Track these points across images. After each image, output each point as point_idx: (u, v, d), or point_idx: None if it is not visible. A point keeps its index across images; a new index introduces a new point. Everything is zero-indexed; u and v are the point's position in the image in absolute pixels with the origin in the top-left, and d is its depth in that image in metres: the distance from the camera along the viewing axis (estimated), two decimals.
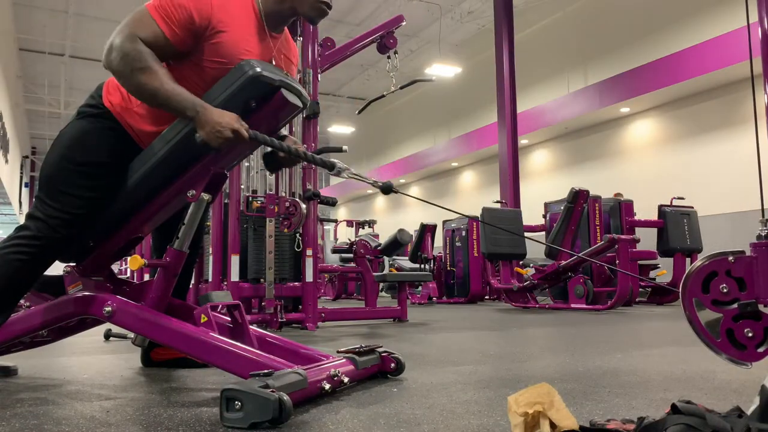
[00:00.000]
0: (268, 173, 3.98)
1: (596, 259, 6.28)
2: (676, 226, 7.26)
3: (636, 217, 7.58)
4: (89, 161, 1.77)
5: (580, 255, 6.21)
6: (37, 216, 1.76)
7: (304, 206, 3.85)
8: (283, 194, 4.06)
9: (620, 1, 12.52)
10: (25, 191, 23.80)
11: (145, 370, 2.18)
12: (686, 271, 1.28)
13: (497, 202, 9.56)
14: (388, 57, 4.79)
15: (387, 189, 1.84)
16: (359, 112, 5.79)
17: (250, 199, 4.07)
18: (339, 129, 20.36)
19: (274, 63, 1.85)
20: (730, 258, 1.25)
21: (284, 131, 4.22)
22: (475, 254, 8.47)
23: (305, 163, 4.18)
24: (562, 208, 7.10)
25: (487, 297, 8.81)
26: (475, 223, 8.49)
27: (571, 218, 6.94)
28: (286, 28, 1.93)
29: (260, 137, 1.68)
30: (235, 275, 3.87)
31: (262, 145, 1.73)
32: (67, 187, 1.76)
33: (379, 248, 5.60)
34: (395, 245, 5.51)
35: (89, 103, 1.86)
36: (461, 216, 7.95)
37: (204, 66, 1.73)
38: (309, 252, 4.08)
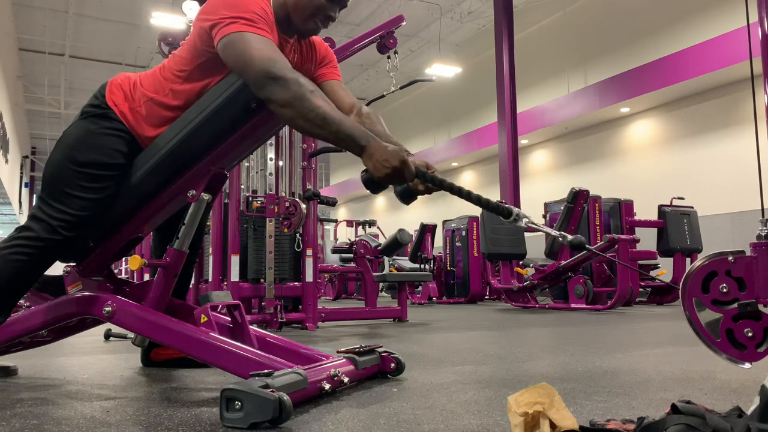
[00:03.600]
0: (268, 174, 3.97)
1: (600, 256, 6.28)
2: (676, 226, 7.26)
3: (636, 217, 7.58)
4: (93, 162, 1.77)
5: (591, 249, 6.20)
6: (40, 217, 1.76)
7: (304, 206, 3.85)
8: (283, 194, 4.06)
9: (620, 1, 12.52)
10: (25, 191, 23.81)
11: (145, 370, 2.18)
12: (686, 271, 1.28)
13: (497, 201, 9.55)
14: (388, 57, 4.79)
15: (578, 245, 1.53)
16: None
17: (250, 199, 4.07)
18: None
19: (293, 65, 1.83)
20: (730, 258, 1.25)
21: (284, 131, 4.23)
22: (475, 254, 8.48)
23: (310, 165, 4.22)
24: (562, 208, 7.10)
25: (487, 297, 8.81)
26: (475, 223, 8.49)
27: (571, 218, 6.94)
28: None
29: (428, 177, 1.55)
30: (235, 275, 3.87)
31: (435, 186, 1.58)
32: (71, 188, 1.75)
33: (379, 248, 5.60)
34: (395, 245, 5.51)
35: (92, 103, 1.85)
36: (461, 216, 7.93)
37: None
38: (309, 252, 4.08)
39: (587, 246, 1.52)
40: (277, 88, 1.53)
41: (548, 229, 1.57)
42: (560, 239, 1.51)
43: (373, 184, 1.55)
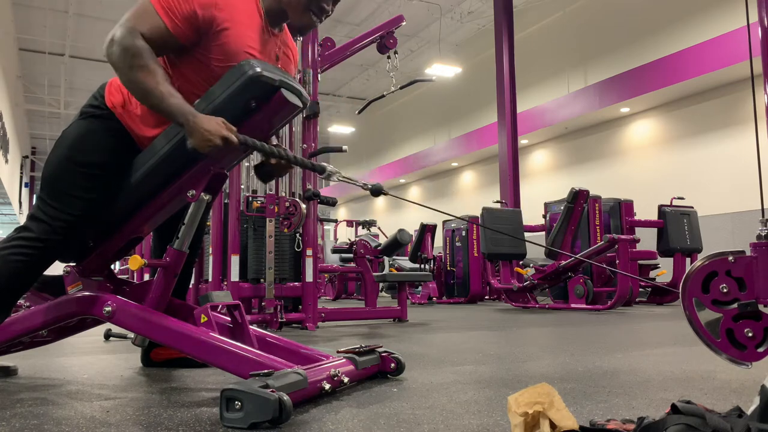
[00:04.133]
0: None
1: (596, 259, 6.28)
2: (676, 226, 7.26)
3: (636, 217, 7.58)
4: (92, 162, 1.77)
5: (577, 257, 6.21)
6: (39, 217, 1.76)
7: (304, 206, 3.85)
8: (283, 194, 4.06)
9: (620, 1, 12.52)
10: (24, 191, 23.81)
11: (145, 370, 2.18)
12: (686, 271, 1.28)
13: (497, 202, 9.56)
14: (388, 57, 4.79)
15: (376, 191, 1.85)
16: (359, 112, 5.79)
17: (250, 199, 4.07)
18: (339, 129, 20.37)
19: (278, 62, 1.86)
20: (730, 258, 1.25)
21: (284, 131, 4.23)
22: (475, 254, 8.48)
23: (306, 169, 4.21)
24: (562, 208, 7.10)
25: (487, 297, 8.81)
26: (475, 223, 8.49)
27: (571, 218, 6.94)
28: (285, 26, 1.93)
29: (250, 142, 1.67)
30: (235, 275, 3.87)
31: (257, 150, 1.73)
32: (70, 188, 1.75)
33: (379, 248, 5.60)
34: (395, 245, 5.51)
35: (92, 103, 1.86)
36: (457, 218, 7.93)
37: (207, 62, 1.73)
38: (309, 252, 4.08)
39: (385, 191, 1.82)
40: (114, 51, 1.64)
41: (357, 181, 1.85)
42: (363, 187, 1.82)
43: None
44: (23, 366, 2.17)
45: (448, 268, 8.94)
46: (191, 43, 1.72)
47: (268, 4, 1.80)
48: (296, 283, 4.07)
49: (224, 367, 1.66)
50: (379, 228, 11.71)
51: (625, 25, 12.34)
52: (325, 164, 1.83)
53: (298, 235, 4.09)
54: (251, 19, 1.77)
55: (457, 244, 8.85)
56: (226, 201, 4.09)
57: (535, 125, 13.64)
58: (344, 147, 4.26)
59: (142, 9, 1.67)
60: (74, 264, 1.94)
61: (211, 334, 1.69)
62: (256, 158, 4.17)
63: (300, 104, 1.77)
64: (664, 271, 7.36)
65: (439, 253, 9.26)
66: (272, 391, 1.29)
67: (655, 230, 7.35)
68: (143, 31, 1.65)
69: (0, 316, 1.81)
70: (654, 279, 7.51)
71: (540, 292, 7.31)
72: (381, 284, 6.84)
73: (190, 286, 2.67)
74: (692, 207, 7.62)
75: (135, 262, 1.77)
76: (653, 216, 7.43)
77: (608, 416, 1.33)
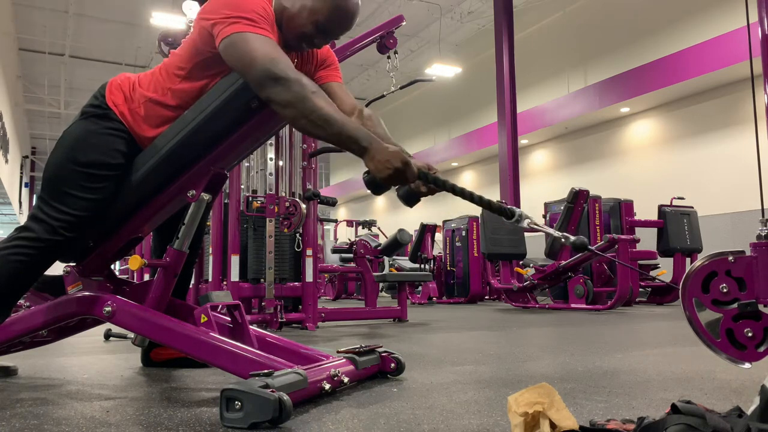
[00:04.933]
0: (268, 174, 3.97)
1: (599, 258, 6.28)
2: (676, 226, 7.26)
3: (636, 217, 7.58)
4: (93, 162, 1.77)
5: (593, 250, 6.20)
6: (40, 217, 1.76)
7: (304, 206, 3.85)
8: (283, 194, 4.06)
9: (620, 1, 12.52)
10: (25, 191, 23.82)
11: (145, 370, 2.18)
12: (686, 271, 1.28)
13: (499, 201, 9.55)
14: (388, 57, 4.79)
15: (581, 246, 1.49)
16: None
17: (250, 199, 4.06)
18: None
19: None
20: (730, 258, 1.25)
21: (284, 131, 4.23)
22: (475, 254, 8.48)
23: (310, 165, 4.22)
24: (562, 208, 7.10)
25: (487, 297, 8.81)
26: (475, 224, 8.49)
27: (571, 218, 6.94)
28: None
29: (431, 178, 1.55)
30: (235, 275, 3.86)
31: (438, 187, 1.59)
32: (71, 188, 1.75)
33: (379, 248, 5.60)
34: (395, 245, 5.51)
35: (93, 103, 1.85)
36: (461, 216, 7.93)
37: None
38: (309, 252, 4.08)
39: (590, 247, 1.50)
40: (279, 89, 1.52)
41: (551, 230, 1.56)
42: (563, 240, 1.50)
43: (376, 185, 1.55)
44: (23, 366, 2.17)
45: (448, 268, 8.94)
46: None
47: (278, 13, 1.77)
48: (296, 283, 4.07)
49: (224, 367, 1.66)
50: (378, 228, 11.71)
51: (625, 25, 12.34)
52: (514, 208, 1.58)
53: (298, 235, 4.09)
54: (274, 27, 1.75)
55: (457, 244, 8.85)
56: (226, 201, 4.09)
57: (535, 125, 13.64)
58: None
59: (252, 40, 1.57)
60: (74, 264, 1.94)
61: (211, 334, 1.69)
62: (256, 158, 4.17)
63: None
64: (664, 271, 7.36)
65: (439, 253, 9.26)
66: (272, 391, 1.29)
67: (655, 230, 7.35)
68: (282, 57, 1.55)
69: (0, 316, 1.81)
70: (654, 279, 7.51)
71: (540, 292, 7.30)
72: (381, 284, 6.84)
73: (190, 286, 2.67)
74: (692, 207, 7.62)
75: (135, 262, 1.77)
76: (653, 216, 7.44)
77: (608, 416, 1.33)
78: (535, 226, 1.55)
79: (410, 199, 1.65)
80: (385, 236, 10.78)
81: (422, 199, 1.69)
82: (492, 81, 12.21)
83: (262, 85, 1.55)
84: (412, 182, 1.56)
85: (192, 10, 3.61)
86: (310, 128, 1.55)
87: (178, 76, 1.75)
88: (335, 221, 13.22)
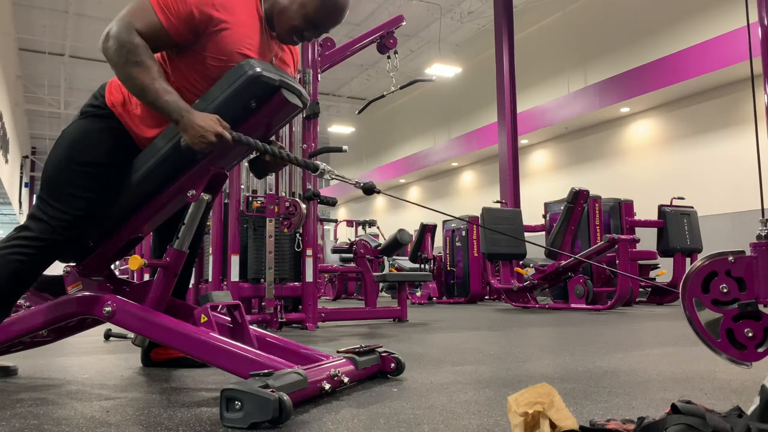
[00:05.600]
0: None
1: (596, 259, 6.28)
2: (676, 226, 7.26)
3: (636, 217, 7.58)
4: (92, 161, 1.77)
5: (576, 257, 6.21)
6: (39, 217, 1.76)
7: (304, 206, 3.85)
8: (283, 194, 4.06)
9: (620, 1, 12.52)
10: (25, 191, 23.81)
11: (145, 370, 2.18)
12: (686, 271, 1.27)
13: (497, 202, 9.56)
14: (388, 57, 4.79)
15: (369, 189, 1.85)
16: (359, 112, 5.79)
17: (250, 199, 4.07)
18: (339, 129, 20.36)
19: (273, 62, 1.86)
20: (730, 258, 1.25)
21: (284, 131, 4.23)
22: (475, 254, 8.48)
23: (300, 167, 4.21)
24: (562, 208, 7.10)
25: (487, 297, 8.81)
26: (475, 223, 8.49)
27: (571, 218, 6.94)
28: None
29: (244, 139, 1.67)
30: (235, 275, 3.87)
31: (251, 147, 1.72)
32: (70, 188, 1.75)
33: (379, 248, 5.60)
34: (395, 245, 5.51)
35: (92, 103, 1.86)
36: (457, 217, 7.93)
37: (204, 61, 1.73)
38: (309, 252, 4.08)
39: (378, 189, 1.82)
40: (110, 47, 1.65)
41: (349, 180, 1.83)
42: (355, 185, 1.81)
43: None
44: (23, 366, 2.17)
45: (448, 268, 8.94)
46: (187, 42, 1.72)
47: (267, 8, 1.80)
48: (296, 283, 4.07)
49: (224, 367, 1.66)
50: (378, 228, 11.70)
51: (625, 25, 12.34)
52: (318, 162, 1.84)
53: (298, 235, 4.09)
54: (250, 20, 1.77)
55: (457, 244, 8.85)
56: (226, 201, 4.09)
57: (535, 125, 13.64)
58: (344, 147, 4.26)
59: (139, 6, 1.68)
60: (74, 264, 1.94)
61: (211, 334, 1.69)
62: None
63: (300, 104, 1.77)
64: (664, 271, 7.36)
65: (439, 253, 9.26)
66: (272, 391, 1.29)
67: (655, 230, 7.35)
68: (139, 28, 1.66)
69: (0, 316, 1.81)
70: (654, 279, 7.51)
71: (540, 292, 7.30)
72: (381, 284, 6.84)
73: (190, 286, 2.67)
74: (692, 207, 7.62)
75: (135, 262, 1.77)
76: (653, 216, 7.44)
77: (608, 416, 1.33)
78: (336, 177, 1.85)
79: (258, 170, 1.92)
80: (383, 237, 10.79)
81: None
82: (492, 81, 12.21)
83: (104, 38, 1.67)
84: (228, 148, 1.69)
85: None
86: (133, 93, 1.70)
87: (168, 75, 1.75)
88: (335, 221, 13.23)
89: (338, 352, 1.85)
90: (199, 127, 1.59)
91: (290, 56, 1.98)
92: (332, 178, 1.84)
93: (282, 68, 1.91)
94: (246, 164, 4.24)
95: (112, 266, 2.10)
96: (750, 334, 1.22)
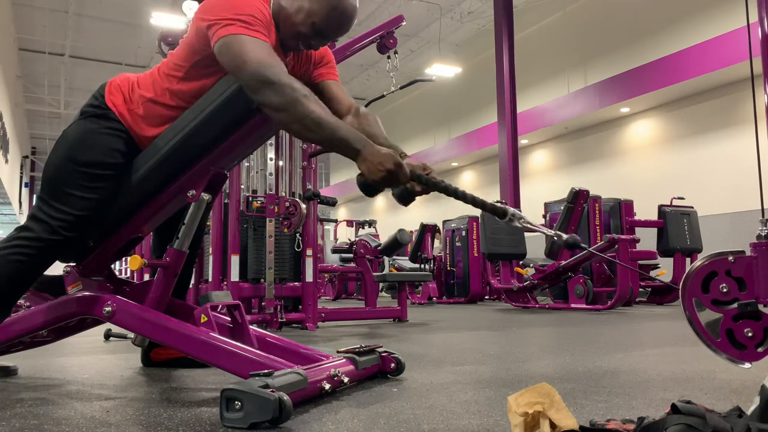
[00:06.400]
0: (268, 174, 3.97)
1: (598, 256, 6.28)
2: (676, 226, 7.26)
3: (636, 217, 7.58)
4: (93, 161, 1.77)
5: (590, 249, 6.20)
6: (40, 217, 1.76)
7: (304, 206, 3.85)
8: (283, 194, 4.06)
9: (620, 1, 12.52)
10: (25, 191, 23.82)
11: (145, 370, 2.18)
12: (686, 271, 1.27)
13: (497, 202, 9.55)
14: (388, 57, 4.79)
15: (572, 245, 1.58)
16: None
17: (250, 199, 4.07)
18: None
19: (289, 67, 1.84)
20: (730, 258, 1.25)
21: (284, 131, 4.22)
22: (475, 254, 8.48)
23: (310, 165, 4.21)
24: (562, 208, 7.10)
25: (487, 297, 8.81)
26: (475, 223, 8.49)
27: (571, 218, 6.94)
28: None
29: (424, 179, 1.56)
30: (235, 275, 3.87)
31: (429, 188, 1.59)
32: (71, 188, 1.75)
33: (379, 248, 5.60)
34: (395, 245, 5.51)
35: (92, 103, 1.86)
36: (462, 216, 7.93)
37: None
38: (309, 252, 4.08)
39: (582, 245, 1.52)
40: (270, 93, 1.54)
41: (544, 229, 1.57)
42: (555, 239, 1.51)
43: (369, 187, 1.57)
44: (23, 366, 2.17)
45: (448, 268, 8.94)
46: None
47: (274, 12, 1.78)
48: (296, 283, 4.07)
49: (224, 367, 1.66)
50: (375, 228, 11.69)
51: (625, 25, 12.34)
52: (507, 207, 1.59)
53: (298, 235, 4.09)
54: (269, 23, 1.75)
55: (457, 244, 8.85)
56: (226, 201, 4.09)
57: (535, 125, 13.64)
58: None
59: (246, 43, 1.57)
60: (74, 264, 1.94)
61: (211, 334, 1.69)
62: (256, 158, 4.17)
63: None
64: (664, 271, 7.36)
65: (439, 253, 9.26)
66: (272, 391, 1.29)
67: (655, 230, 7.35)
68: (274, 61, 1.56)
69: (0, 316, 1.81)
70: (654, 279, 7.51)
71: (540, 292, 7.30)
72: (381, 284, 6.84)
73: (190, 286, 2.67)
74: (692, 207, 7.62)
75: (135, 262, 1.77)
76: (653, 216, 7.43)
77: (608, 416, 1.33)
78: (529, 225, 1.56)
79: (405, 199, 1.66)
80: (379, 239, 10.78)
81: (420, 198, 1.70)
82: (492, 81, 12.21)
83: (255, 88, 1.56)
84: (404, 183, 1.57)
85: (192, 10, 3.60)
86: (302, 132, 1.58)
87: (175, 77, 1.75)
88: (335, 221, 13.22)
89: (338, 352, 1.84)
90: (381, 156, 1.51)
91: (307, 53, 1.92)
92: (523, 226, 1.56)
93: (296, 67, 1.88)
94: (246, 164, 4.25)
95: (112, 266, 2.10)
96: (750, 334, 1.22)
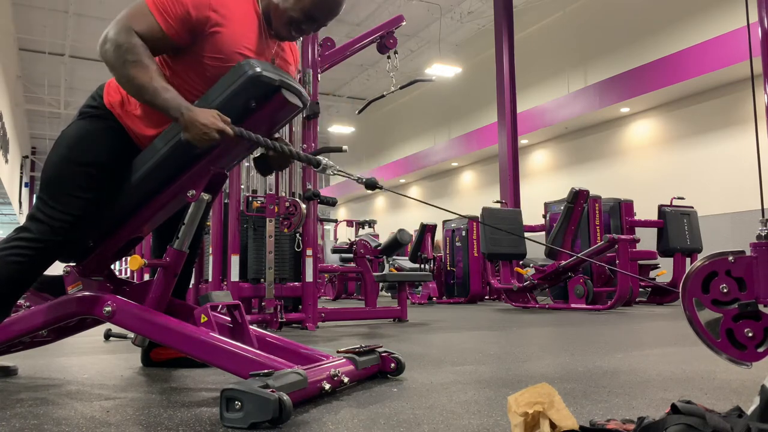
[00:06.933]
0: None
1: (596, 259, 6.28)
2: (676, 226, 7.26)
3: (636, 217, 7.58)
4: (91, 162, 1.77)
5: (579, 255, 6.21)
6: (39, 218, 1.76)
7: (304, 206, 3.85)
8: (283, 194, 4.06)
9: (620, 1, 12.52)
10: (25, 191, 23.81)
11: (145, 370, 2.18)
12: (686, 271, 1.27)
13: (497, 202, 9.56)
14: (388, 57, 4.79)
15: (371, 185, 1.85)
16: (359, 112, 5.79)
17: (250, 199, 4.07)
18: (339, 129, 20.36)
19: (274, 62, 1.86)
20: (730, 258, 1.25)
21: (284, 131, 4.23)
22: (475, 254, 8.48)
23: (302, 162, 4.21)
24: (562, 208, 7.10)
25: (487, 297, 8.81)
26: (475, 223, 8.50)
27: (571, 218, 6.94)
28: None
29: (246, 134, 1.66)
30: (235, 275, 3.87)
31: (253, 143, 1.71)
32: (70, 189, 1.75)
33: (379, 248, 5.60)
34: (395, 245, 5.51)
35: (90, 103, 1.86)
36: (459, 216, 7.95)
37: (203, 62, 1.73)
38: (309, 252, 4.08)
39: (379, 185, 1.80)
40: (108, 49, 1.65)
41: (351, 175, 1.81)
42: (357, 181, 1.80)
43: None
44: (23, 366, 2.17)
45: (448, 268, 8.94)
46: (185, 44, 1.73)
47: (264, 7, 1.81)
48: (296, 283, 4.07)
49: (224, 367, 1.66)
50: (373, 228, 11.68)
51: (625, 25, 12.34)
52: (320, 158, 1.82)
53: (298, 235, 4.09)
54: (248, 19, 1.77)
55: (457, 244, 8.85)
56: (226, 201, 4.09)
57: (535, 125, 13.63)
58: (344, 147, 4.26)
59: (137, 9, 1.69)
60: (74, 264, 1.94)
61: (211, 334, 1.69)
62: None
63: (300, 104, 1.77)
64: (664, 271, 7.36)
65: (439, 253, 9.26)
66: (272, 391, 1.29)
67: (655, 230, 7.35)
68: (138, 30, 1.66)
69: (0, 316, 1.81)
70: (654, 279, 7.51)
71: (540, 292, 7.30)
72: (381, 284, 6.84)
73: (190, 286, 2.67)
74: (692, 207, 7.62)
75: (135, 262, 1.76)
76: (653, 216, 7.43)
77: (608, 416, 1.33)
78: (338, 172, 1.83)
79: (262, 167, 1.91)
80: (378, 239, 10.77)
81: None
82: (492, 81, 12.21)
83: (101, 41, 1.67)
84: (231, 144, 1.69)
85: None
86: (130, 93, 1.70)
87: (167, 77, 1.75)
88: (335, 221, 13.22)
89: (338, 352, 1.85)
90: (201, 124, 1.58)
91: (291, 55, 1.99)
92: (334, 174, 1.83)
93: (283, 67, 1.92)
94: (246, 164, 4.25)
95: (112, 266, 2.10)
96: (750, 334, 1.22)
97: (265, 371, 1.42)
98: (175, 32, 1.69)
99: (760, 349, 1.22)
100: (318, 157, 1.81)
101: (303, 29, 1.83)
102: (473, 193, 16.73)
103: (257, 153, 1.89)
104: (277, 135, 1.95)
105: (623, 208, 7.45)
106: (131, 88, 1.66)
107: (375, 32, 4.75)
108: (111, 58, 1.65)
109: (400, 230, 5.51)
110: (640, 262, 6.81)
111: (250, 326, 1.93)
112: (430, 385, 1.78)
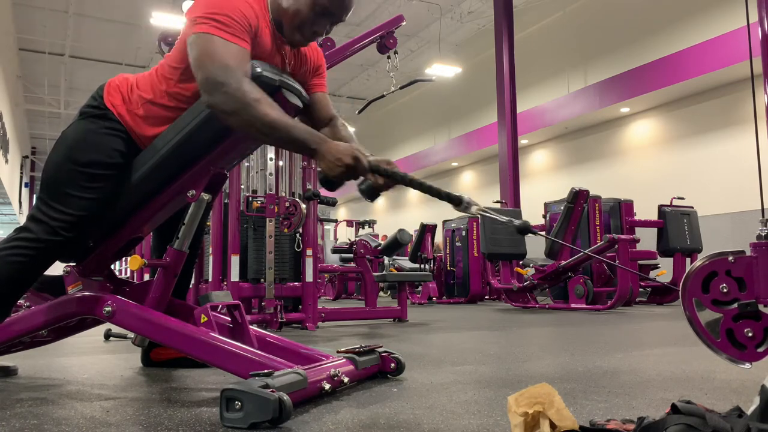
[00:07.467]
0: (268, 174, 3.97)
1: (600, 255, 6.27)
2: (676, 226, 7.26)
3: (636, 217, 7.58)
4: (92, 162, 1.77)
5: (585, 251, 6.20)
6: (39, 218, 1.75)
7: (304, 206, 3.85)
8: (283, 194, 4.06)
9: (620, 1, 12.52)
10: (25, 191, 23.82)
11: (145, 370, 2.18)
12: (686, 271, 1.27)
13: (497, 202, 9.56)
14: (388, 57, 4.79)
15: (524, 229, 1.55)
16: (359, 112, 5.79)
17: (250, 199, 4.07)
18: None
19: (289, 68, 1.84)
20: (730, 258, 1.25)
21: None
22: (475, 254, 8.48)
23: (310, 165, 4.21)
24: (562, 208, 7.10)
25: (487, 297, 8.81)
26: (475, 224, 8.49)
27: (571, 218, 6.94)
28: None
29: (382, 170, 1.58)
30: (235, 275, 3.87)
31: (385, 178, 1.59)
32: (70, 189, 1.75)
33: (379, 248, 5.60)
34: (395, 245, 5.51)
35: (91, 104, 1.86)
36: (462, 216, 7.93)
37: None
38: (309, 252, 4.08)
39: (533, 230, 1.56)
40: (220, 97, 1.54)
41: (498, 216, 1.60)
42: (509, 224, 1.55)
43: (329, 182, 1.60)
44: (23, 366, 2.17)
45: (448, 268, 8.94)
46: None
47: (274, 15, 1.78)
48: (296, 283, 4.07)
49: (224, 367, 1.66)
50: (372, 228, 11.68)
51: (625, 25, 12.34)
52: (462, 195, 1.59)
53: (298, 235, 4.09)
54: (265, 24, 1.75)
55: (457, 244, 8.85)
56: (226, 201, 4.09)
57: (535, 125, 13.64)
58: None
59: (212, 44, 1.57)
60: (74, 264, 1.94)
61: (211, 334, 1.69)
62: (256, 158, 4.17)
63: (300, 104, 1.77)
64: (664, 271, 7.36)
65: (439, 253, 9.26)
66: (272, 391, 1.29)
67: (655, 230, 7.35)
68: (232, 64, 1.56)
69: (0, 316, 1.81)
70: (654, 279, 7.51)
71: (540, 292, 7.30)
72: (381, 284, 6.84)
73: (190, 286, 2.67)
74: (692, 207, 7.62)
75: (135, 262, 1.76)
76: (653, 216, 7.43)
77: (608, 416, 1.33)
78: (484, 213, 1.60)
79: (371, 193, 1.69)
80: (378, 239, 10.77)
81: (420, 198, 1.70)
82: (492, 81, 12.21)
83: (206, 91, 1.57)
84: (364, 176, 1.60)
85: None
86: (257, 135, 1.59)
87: (172, 80, 1.75)
88: (335, 221, 13.22)
89: (338, 352, 1.84)
90: (338, 152, 1.53)
91: (307, 55, 1.92)
92: (479, 214, 1.60)
93: (296, 71, 1.88)
94: (246, 164, 4.25)
95: (112, 266, 2.10)
96: (750, 334, 1.22)
97: (265, 371, 1.41)
98: (251, 47, 1.65)
99: (760, 349, 1.22)
100: (461, 195, 1.58)
101: (316, 31, 1.79)
102: (473, 193, 16.66)
103: (359, 180, 1.68)
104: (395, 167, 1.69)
105: (623, 208, 7.45)
106: (262, 126, 1.53)
107: (375, 32, 4.75)
108: (231, 105, 1.53)
109: (400, 230, 5.51)
110: (640, 262, 6.81)
111: (250, 326, 1.93)
112: (430, 385, 1.78)
